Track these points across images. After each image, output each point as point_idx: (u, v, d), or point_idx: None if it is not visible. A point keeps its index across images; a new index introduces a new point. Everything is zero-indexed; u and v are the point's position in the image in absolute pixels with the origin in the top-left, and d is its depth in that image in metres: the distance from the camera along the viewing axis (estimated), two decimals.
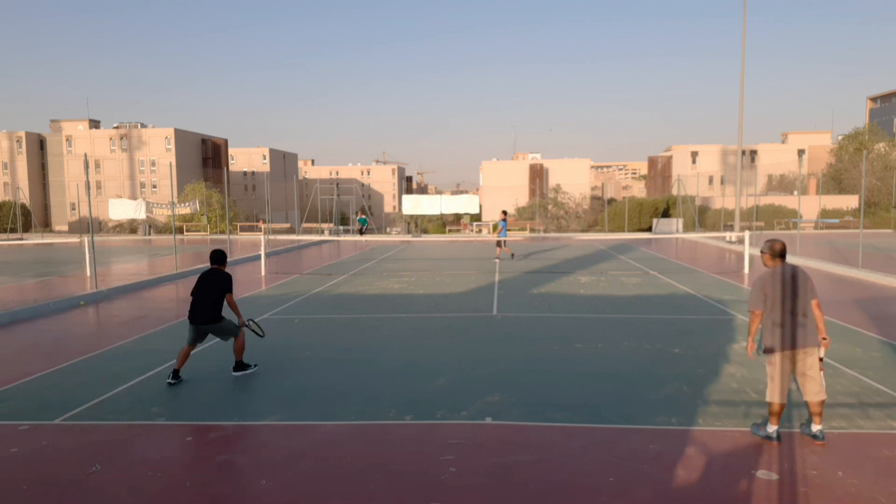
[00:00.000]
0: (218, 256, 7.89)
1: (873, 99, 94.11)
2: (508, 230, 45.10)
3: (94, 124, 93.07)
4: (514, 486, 4.68)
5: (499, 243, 22.20)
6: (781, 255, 5.51)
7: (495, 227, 23.74)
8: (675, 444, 5.40)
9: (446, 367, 7.96)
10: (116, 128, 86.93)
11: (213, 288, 7.57)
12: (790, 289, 5.38)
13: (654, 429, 5.76)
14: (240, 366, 7.76)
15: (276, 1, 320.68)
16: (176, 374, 7.41)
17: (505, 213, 23.22)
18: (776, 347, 5.41)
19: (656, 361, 8.14)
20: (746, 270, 17.73)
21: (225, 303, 7.65)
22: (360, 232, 35.35)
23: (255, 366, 7.94)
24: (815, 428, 5.44)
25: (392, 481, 4.81)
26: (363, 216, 36.44)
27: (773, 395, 5.43)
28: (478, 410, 6.31)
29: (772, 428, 5.45)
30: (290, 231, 49.92)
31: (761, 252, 5.62)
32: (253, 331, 8.03)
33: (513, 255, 22.79)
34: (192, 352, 7.74)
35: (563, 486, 4.69)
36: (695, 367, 7.80)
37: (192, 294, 7.65)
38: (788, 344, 5.37)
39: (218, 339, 8.41)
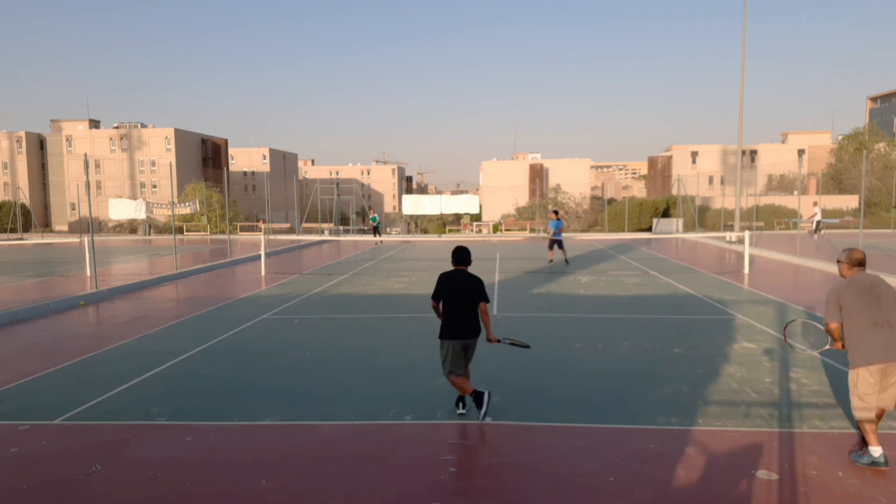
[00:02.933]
0: (465, 255, 6.32)
1: (873, 99, 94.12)
2: (507, 230, 45.35)
3: (94, 124, 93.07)
4: (514, 486, 4.68)
5: (551, 245, 20.26)
6: (860, 264, 5.15)
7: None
8: (675, 444, 5.40)
9: None
10: (116, 128, 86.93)
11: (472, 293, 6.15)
12: (871, 298, 4.96)
13: (654, 429, 5.76)
14: (479, 397, 6.08)
15: (276, 1, 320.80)
16: (462, 402, 6.25)
17: (556, 212, 20.71)
18: (858, 362, 4.92)
19: (656, 361, 8.14)
20: (746, 270, 17.73)
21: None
22: (376, 231, 34.39)
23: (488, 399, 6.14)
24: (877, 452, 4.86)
25: (392, 481, 4.81)
26: (374, 215, 35.62)
27: (858, 412, 4.94)
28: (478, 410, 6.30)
29: (877, 452, 4.82)
30: (290, 231, 49.89)
31: (838, 261, 5.26)
32: (518, 345, 6.47)
33: (566, 260, 20.15)
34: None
35: (563, 486, 4.69)
36: (695, 367, 7.80)
37: (444, 298, 6.18)
38: (874, 357, 4.87)
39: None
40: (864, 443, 5.06)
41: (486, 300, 6.19)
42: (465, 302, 6.10)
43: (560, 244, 19.97)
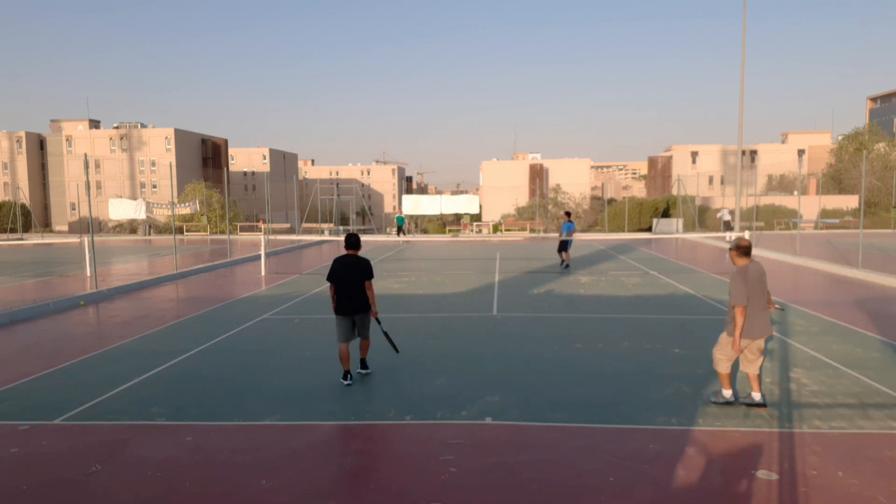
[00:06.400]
0: (354, 240, 7.42)
1: (873, 99, 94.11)
2: (507, 230, 45.32)
3: (94, 124, 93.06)
4: (514, 486, 4.68)
5: (560, 247, 19.20)
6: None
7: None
8: (675, 444, 5.40)
9: (446, 367, 7.96)
10: (116, 128, 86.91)
11: (359, 274, 7.21)
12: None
13: (654, 429, 5.76)
14: (365, 364, 7.69)
15: (276, 1, 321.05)
16: (347, 375, 7.25)
17: (568, 213, 19.95)
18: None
19: (656, 361, 8.14)
20: None
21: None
22: (399, 232, 35.47)
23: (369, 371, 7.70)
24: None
25: (392, 481, 4.81)
26: (401, 215, 36.78)
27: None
28: (478, 410, 6.31)
29: (728, 393, 6.32)
30: (290, 231, 49.88)
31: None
32: (390, 342, 7.79)
33: (567, 264, 19.13)
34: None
35: (563, 486, 4.69)
36: (695, 367, 7.79)
37: (336, 280, 7.19)
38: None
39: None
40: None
41: (371, 277, 7.29)
42: (356, 281, 7.18)
43: (566, 247, 19.08)
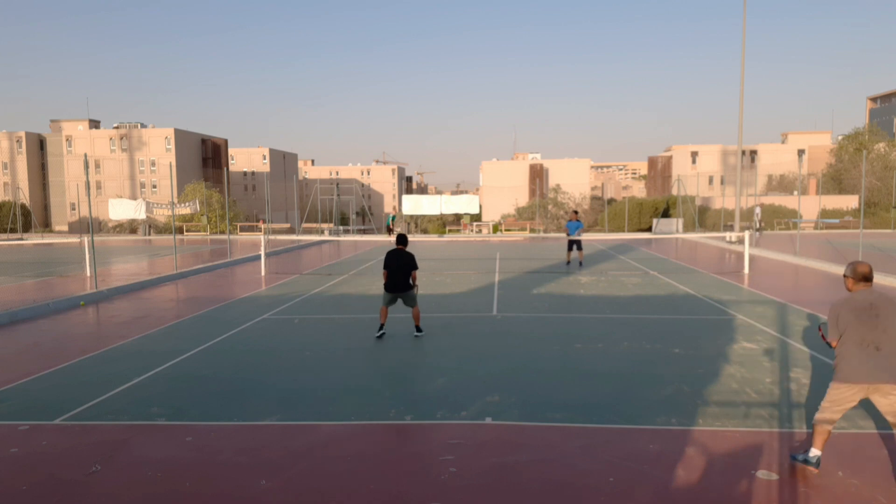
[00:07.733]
0: (403, 239, 9.89)
1: (873, 99, 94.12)
2: (507, 230, 45.32)
3: (94, 124, 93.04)
4: (514, 486, 4.68)
5: (570, 246, 19.60)
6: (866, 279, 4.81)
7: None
8: (675, 444, 5.40)
9: (446, 367, 7.96)
10: (116, 128, 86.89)
11: (405, 264, 9.66)
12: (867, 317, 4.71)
13: (654, 429, 5.76)
14: (419, 329, 9.88)
15: (276, 2, 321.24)
16: (381, 327, 9.81)
17: (576, 213, 20.10)
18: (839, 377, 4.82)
19: (656, 361, 8.14)
20: (746, 271, 17.73)
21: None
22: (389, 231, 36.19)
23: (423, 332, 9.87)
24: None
25: (392, 481, 4.81)
26: (393, 214, 37.45)
27: None
28: (478, 410, 6.31)
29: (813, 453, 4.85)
30: (290, 231, 49.90)
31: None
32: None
33: (580, 262, 19.73)
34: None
35: (563, 486, 4.69)
36: (695, 367, 7.79)
37: (388, 268, 9.69)
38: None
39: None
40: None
41: (416, 268, 9.82)
42: (403, 269, 9.66)
43: (579, 245, 19.51)
